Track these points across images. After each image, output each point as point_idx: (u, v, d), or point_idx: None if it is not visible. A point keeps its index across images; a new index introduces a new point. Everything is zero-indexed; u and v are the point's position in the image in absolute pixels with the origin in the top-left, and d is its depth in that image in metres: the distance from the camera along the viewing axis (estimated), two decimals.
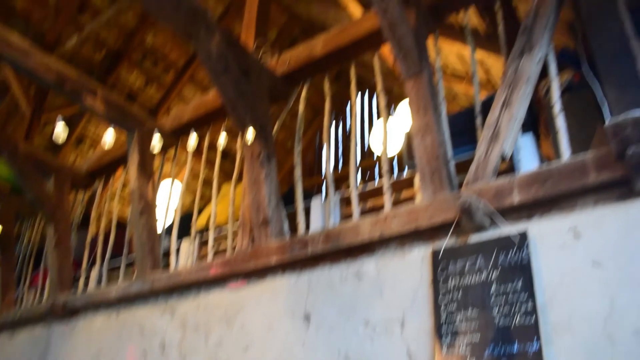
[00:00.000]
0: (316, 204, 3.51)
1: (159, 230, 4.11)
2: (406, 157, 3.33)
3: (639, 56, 2.36)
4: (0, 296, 5.02)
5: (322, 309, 2.79)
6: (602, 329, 1.97)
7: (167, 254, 4.13)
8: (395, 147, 4.84)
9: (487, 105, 2.75)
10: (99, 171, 5.07)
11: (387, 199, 2.91)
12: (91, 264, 4.74)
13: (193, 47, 3.09)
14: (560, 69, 2.94)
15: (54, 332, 4.26)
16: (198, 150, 4.24)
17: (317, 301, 2.83)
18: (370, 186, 3.50)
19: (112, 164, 4.92)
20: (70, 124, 6.81)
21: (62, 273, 4.51)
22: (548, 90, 2.81)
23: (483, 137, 2.61)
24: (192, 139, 3.87)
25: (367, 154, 8.39)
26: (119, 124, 3.94)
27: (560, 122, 2.53)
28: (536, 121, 3.30)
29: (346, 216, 3.36)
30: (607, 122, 2.15)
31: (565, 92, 3.11)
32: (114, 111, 3.83)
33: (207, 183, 6.15)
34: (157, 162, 4.42)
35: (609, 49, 2.42)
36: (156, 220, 4.05)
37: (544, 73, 2.72)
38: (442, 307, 2.34)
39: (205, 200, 5.74)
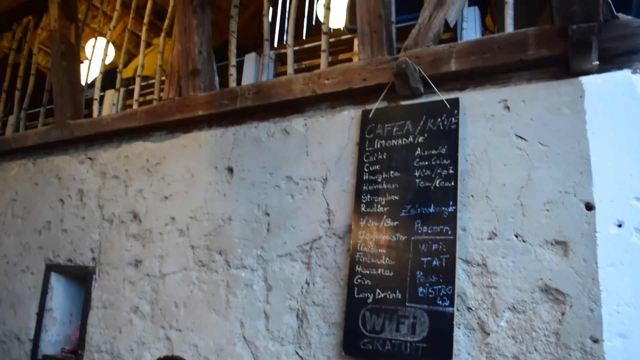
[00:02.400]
0: (250, 59, 3.32)
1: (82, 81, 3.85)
2: (348, 21, 3.17)
3: None
4: None
5: (246, 163, 2.74)
6: (516, 199, 2.02)
7: (89, 105, 3.90)
8: (341, 19, 4.62)
9: None
10: (16, 14, 4.55)
11: (323, 57, 2.78)
12: (8, 111, 4.46)
13: None
14: None
15: None
16: (129, 7, 3.88)
17: (242, 155, 2.77)
18: (308, 44, 3.33)
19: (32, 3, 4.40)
20: None
21: None
22: None
23: (429, 1, 2.49)
24: None
25: (315, 31, 8.10)
26: None
27: None
28: None
29: (280, 74, 3.22)
30: None
31: None
32: None
33: (137, 39, 5.76)
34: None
35: None
36: (79, 66, 3.78)
37: None
38: (366, 167, 2.33)
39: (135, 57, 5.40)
